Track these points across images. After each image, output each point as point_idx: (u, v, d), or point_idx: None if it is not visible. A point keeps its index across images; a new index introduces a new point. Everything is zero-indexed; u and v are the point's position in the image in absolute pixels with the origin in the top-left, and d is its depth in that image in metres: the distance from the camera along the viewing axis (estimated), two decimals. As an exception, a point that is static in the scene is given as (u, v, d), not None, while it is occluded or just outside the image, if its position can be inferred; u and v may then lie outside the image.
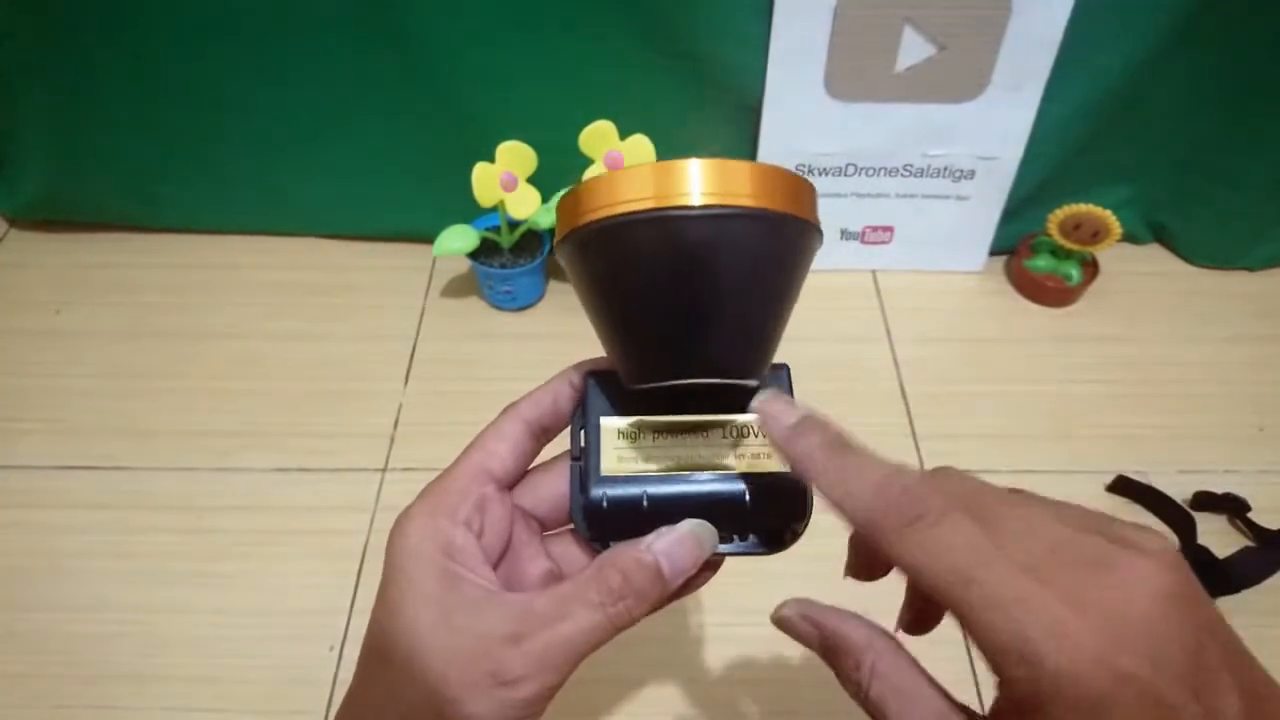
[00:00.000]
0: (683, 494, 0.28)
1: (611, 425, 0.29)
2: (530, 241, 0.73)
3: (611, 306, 0.26)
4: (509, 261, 0.71)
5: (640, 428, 0.29)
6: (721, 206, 0.23)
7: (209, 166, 0.74)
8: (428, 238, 0.69)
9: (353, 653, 0.53)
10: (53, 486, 0.62)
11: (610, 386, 0.29)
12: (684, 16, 0.62)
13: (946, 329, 0.74)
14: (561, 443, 0.32)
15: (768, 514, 0.28)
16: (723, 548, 0.28)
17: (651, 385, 0.27)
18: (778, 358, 0.29)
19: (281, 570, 0.58)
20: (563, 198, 0.26)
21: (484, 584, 0.26)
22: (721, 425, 0.29)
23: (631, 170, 0.23)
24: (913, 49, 0.64)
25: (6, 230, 0.81)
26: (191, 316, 0.74)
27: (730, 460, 0.28)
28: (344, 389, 0.69)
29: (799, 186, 0.25)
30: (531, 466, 0.31)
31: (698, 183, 0.23)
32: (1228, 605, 0.56)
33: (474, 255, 0.71)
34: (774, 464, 0.29)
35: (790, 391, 0.30)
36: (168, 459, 0.64)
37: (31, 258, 0.78)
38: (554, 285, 0.76)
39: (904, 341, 0.72)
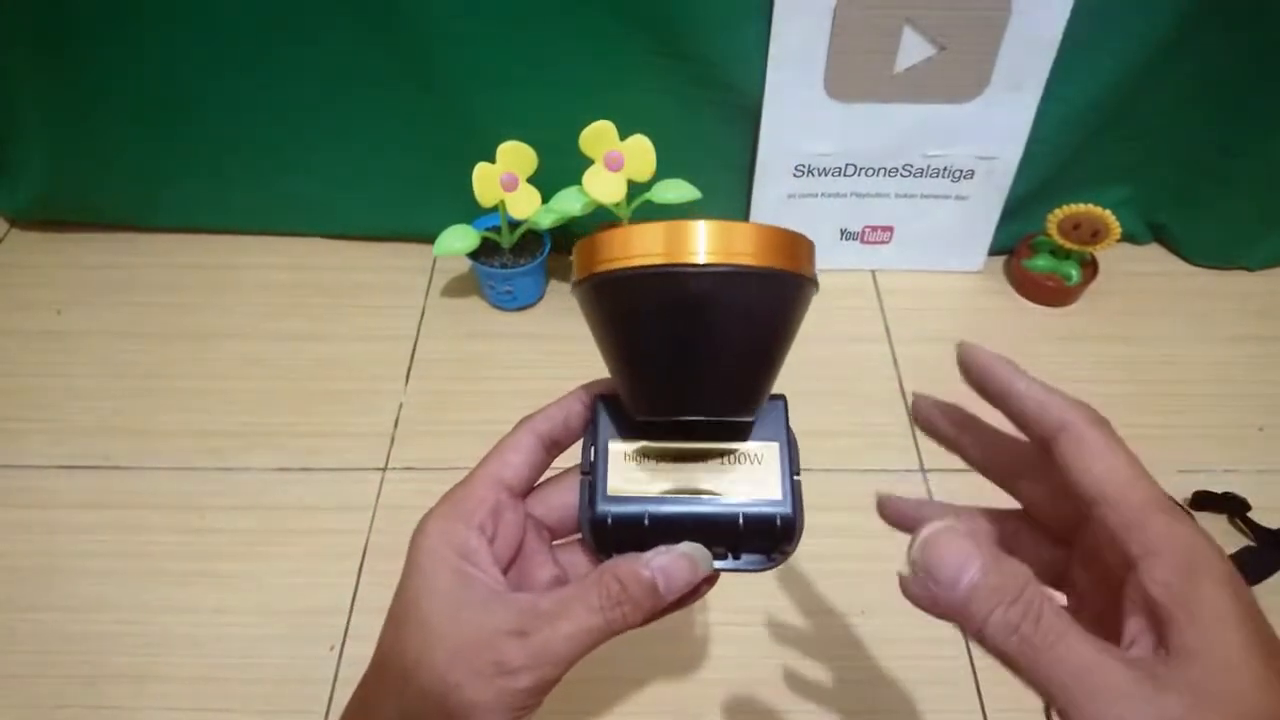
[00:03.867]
0: (681, 515, 0.30)
1: (618, 449, 0.31)
2: (530, 241, 0.73)
3: (620, 348, 0.29)
4: (509, 261, 0.71)
5: (645, 453, 0.31)
6: (723, 265, 0.25)
7: (209, 166, 0.74)
8: (428, 238, 0.69)
9: (353, 652, 0.54)
10: (53, 486, 0.62)
11: (617, 411, 0.32)
12: (684, 16, 0.62)
13: (946, 329, 0.74)
14: (571, 455, 0.33)
15: (759, 537, 0.30)
16: (717, 564, 0.30)
17: (654, 419, 0.29)
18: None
19: (281, 570, 0.58)
20: (581, 242, 0.28)
21: (493, 584, 0.28)
22: (720, 453, 0.31)
23: (645, 226, 0.26)
24: (912, 49, 0.64)
25: (6, 230, 0.81)
26: (191, 316, 0.74)
27: (726, 486, 0.31)
28: (344, 389, 0.69)
29: (796, 243, 0.27)
30: (544, 478, 0.33)
31: (703, 242, 0.26)
32: (1227, 605, 0.56)
33: (474, 255, 0.71)
34: (767, 491, 0.31)
35: (787, 423, 0.32)
36: (168, 459, 0.64)
37: (31, 258, 0.78)
38: (554, 285, 0.76)
39: (904, 341, 0.72)
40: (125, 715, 0.52)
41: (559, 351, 0.71)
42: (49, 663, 0.54)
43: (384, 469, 0.63)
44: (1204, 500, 0.61)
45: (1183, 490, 0.61)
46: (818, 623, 0.55)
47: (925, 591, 0.24)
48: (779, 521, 0.30)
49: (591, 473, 0.31)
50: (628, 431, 0.31)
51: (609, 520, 0.30)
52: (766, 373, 0.29)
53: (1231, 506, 0.60)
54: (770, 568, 0.31)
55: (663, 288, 0.26)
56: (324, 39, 0.65)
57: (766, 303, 0.27)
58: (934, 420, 0.33)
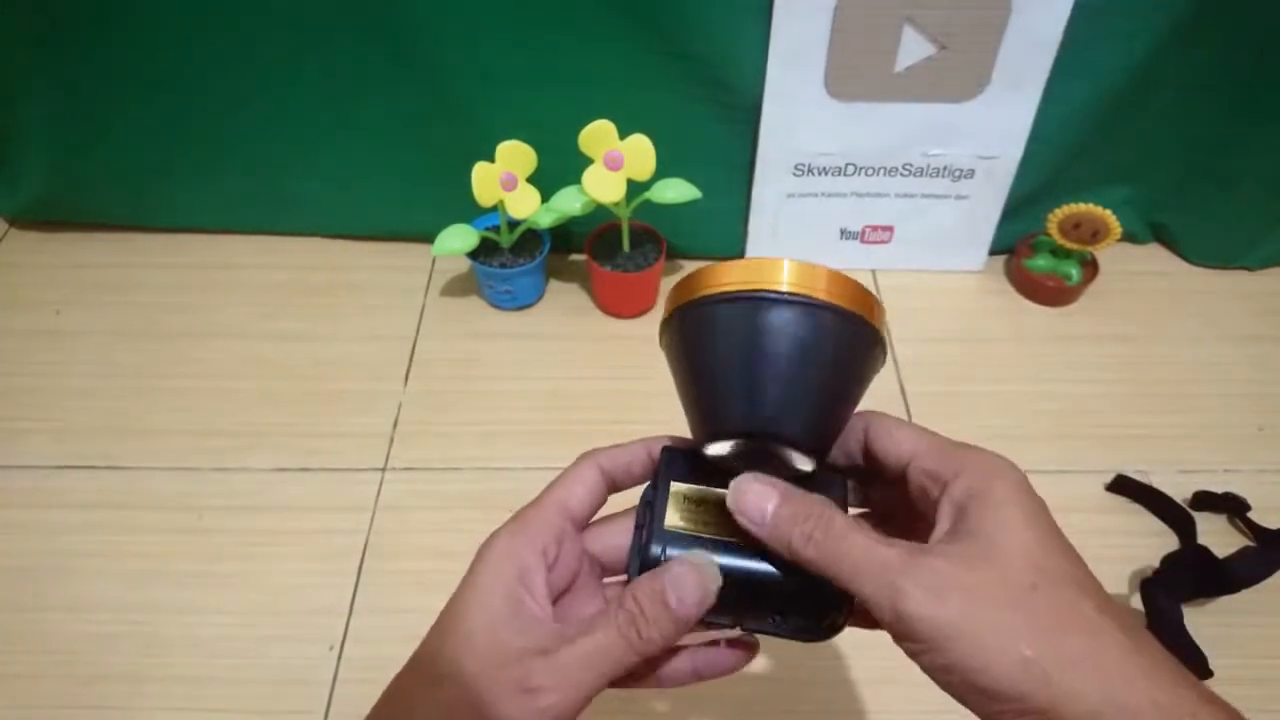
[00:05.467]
0: (731, 565, 0.30)
1: (679, 490, 0.32)
2: (530, 241, 0.73)
3: (706, 367, 0.30)
4: (509, 261, 0.71)
5: (705, 497, 0.32)
6: (803, 295, 0.29)
7: (209, 166, 0.74)
8: (428, 237, 0.69)
9: (353, 653, 0.54)
10: (53, 486, 0.62)
11: (682, 460, 0.33)
12: (684, 16, 0.62)
13: (946, 329, 0.74)
14: (625, 499, 0.34)
15: (806, 600, 0.30)
16: (762, 627, 0.31)
17: (722, 441, 0.30)
18: None
19: (281, 570, 0.58)
20: (683, 279, 0.31)
21: (539, 612, 0.29)
22: None
23: (753, 261, 0.29)
24: (913, 49, 0.64)
25: (6, 230, 0.81)
26: (191, 316, 0.74)
27: None
28: (343, 389, 0.69)
29: (870, 300, 0.30)
30: (598, 516, 0.34)
31: (802, 279, 0.29)
32: (1228, 605, 0.56)
33: (474, 255, 0.71)
34: None
35: (846, 497, 0.32)
36: (168, 459, 0.64)
37: (31, 258, 0.78)
38: (554, 285, 0.76)
39: (904, 341, 0.72)
40: (125, 715, 0.52)
41: (558, 351, 0.71)
42: (49, 663, 0.54)
43: (383, 469, 0.63)
44: (1204, 500, 0.61)
45: (1183, 490, 0.61)
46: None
47: (746, 523, 0.29)
48: (828, 586, 0.29)
49: (647, 524, 0.32)
50: (691, 478, 0.32)
51: (663, 556, 0.30)
52: (831, 414, 0.30)
53: (1231, 506, 0.60)
54: (818, 639, 0.31)
55: (762, 310, 0.29)
56: (324, 39, 0.65)
57: (844, 341, 0.30)
58: None
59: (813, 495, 0.29)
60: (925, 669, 0.26)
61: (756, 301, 0.29)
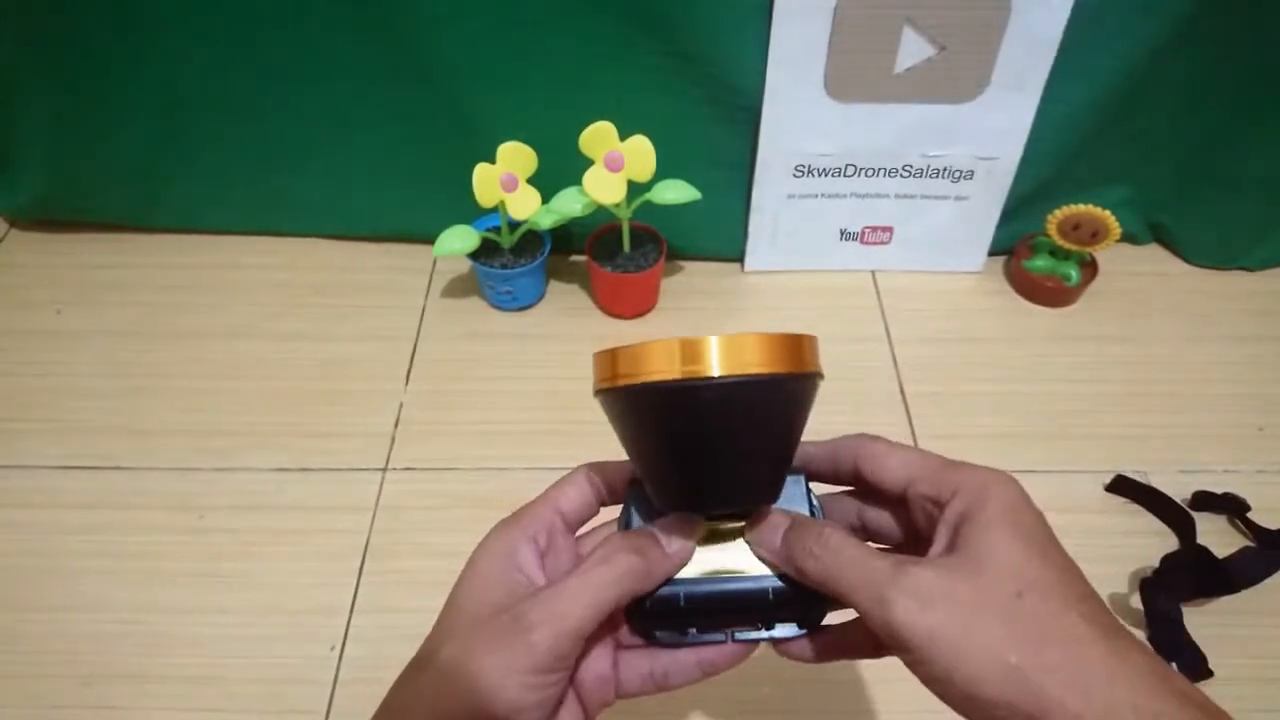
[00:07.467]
0: (713, 593, 0.32)
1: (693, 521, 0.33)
2: (530, 242, 0.73)
3: (643, 453, 0.31)
4: (509, 262, 0.71)
5: None
6: (735, 377, 0.28)
7: (209, 166, 0.74)
8: (428, 238, 0.69)
9: (353, 652, 0.54)
10: (53, 486, 0.62)
11: (648, 497, 0.33)
12: (684, 17, 0.62)
13: (946, 329, 0.74)
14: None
15: (788, 608, 0.32)
16: (753, 636, 0.32)
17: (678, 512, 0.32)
18: None
19: (281, 570, 0.58)
20: (599, 354, 0.30)
21: (526, 581, 0.30)
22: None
23: (661, 342, 0.29)
24: (912, 49, 0.64)
25: (6, 230, 0.81)
26: (191, 316, 0.74)
27: (755, 562, 0.32)
28: (344, 389, 0.69)
29: (799, 345, 0.29)
30: (591, 526, 0.35)
31: (715, 356, 0.28)
32: (1228, 605, 0.56)
33: (474, 255, 0.71)
34: None
35: (809, 496, 0.33)
36: (168, 459, 0.64)
37: (31, 258, 0.78)
38: (554, 285, 0.76)
39: (904, 341, 0.72)
40: (124, 715, 0.52)
41: (559, 352, 0.71)
42: (49, 663, 0.54)
43: (384, 469, 0.63)
44: (1204, 500, 0.61)
45: (1183, 490, 0.61)
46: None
47: (762, 554, 0.32)
48: (806, 593, 0.31)
49: None
50: (659, 516, 0.33)
51: (648, 604, 0.32)
52: (782, 463, 0.31)
53: (1231, 507, 0.60)
54: (805, 636, 0.32)
55: (680, 400, 0.28)
56: (325, 40, 0.65)
57: (777, 403, 0.29)
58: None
59: (818, 521, 0.31)
60: (924, 681, 0.26)
61: (692, 390, 0.28)
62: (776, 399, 0.29)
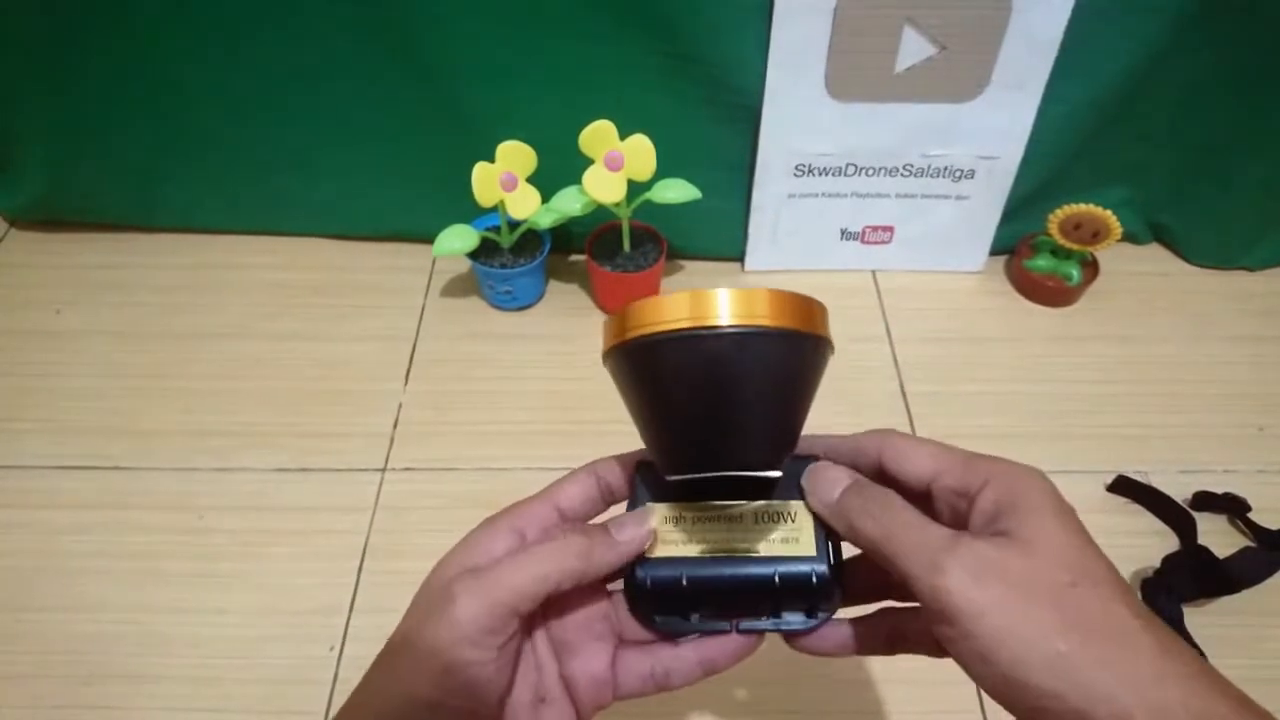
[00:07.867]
0: (717, 575, 0.31)
1: (659, 510, 0.33)
2: (530, 241, 0.73)
3: (651, 410, 0.30)
4: (509, 261, 0.71)
5: (682, 514, 0.32)
6: (743, 326, 0.28)
7: (209, 166, 0.74)
8: (428, 238, 0.69)
9: (353, 652, 0.54)
10: (53, 486, 0.62)
11: (656, 478, 0.33)
12: (684, 17, 0.62)
13: (946, 329, 0.74)
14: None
15: (797, 595, 0.31)
16: (759, 625, 0.31)
17: (684, 477, 0.30)
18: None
19: (281, 570, 0.58)
20: (610, 316, 0.30)
21: (487, 563, 0.30)
22: (754, 512, 0.32)
23: (673, 296, 0.28)
24: (913, 49, 0.64)
25: (6, 230, 0.81)
26: (191, 316, 0.74)
27: (762, 545, 0.31)
28: (344, 389, 0.69)
29: (810, 306, 0.29)
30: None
31: (725, 307, 0.28)
32: (1228, 605, 0.56)
33: (474, 255, 0.71)
34: (801, 548, 0.31)
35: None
36: (168, 459, 0.64)
37: (31, 258, 0.78)
38: (554, 285, 0.76)
39: (904, 341, 0.72)
40: (124, 715, 0.52)
41: (558, 352, 0.71)
42: (49, 663, 0.54)
43: (383, 469, 0.63)
44: (1204, 500, 0.61)
45: (1183, 490, 0.61)
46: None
47: (817, 505, 0.31)
48: (814, 578, 0.30)
49: None
50: (665, 495, 0.32)
51: (648, 583, 0.31)
52: (787, 427, 0.31)
53: (1231, 507, 0.60)
54: (814, 627, 0.31)
55: (690, 349, 0.28)
56: (324, 40, 0.65)
57: (783, 359, 0.29)
58: None
59: (879, 487, 0.30)
60: (959, 657, 0.25)
61: (701, 338, 0.28)
62: (783, 354, 0.29)
